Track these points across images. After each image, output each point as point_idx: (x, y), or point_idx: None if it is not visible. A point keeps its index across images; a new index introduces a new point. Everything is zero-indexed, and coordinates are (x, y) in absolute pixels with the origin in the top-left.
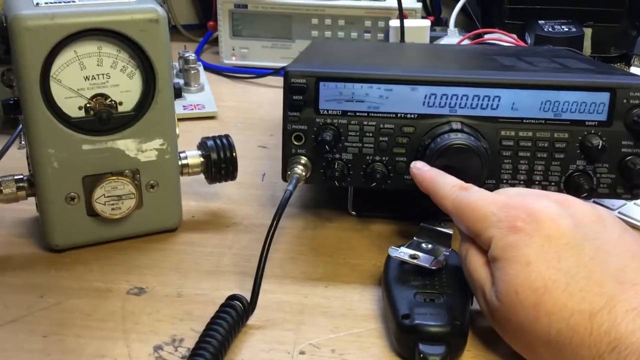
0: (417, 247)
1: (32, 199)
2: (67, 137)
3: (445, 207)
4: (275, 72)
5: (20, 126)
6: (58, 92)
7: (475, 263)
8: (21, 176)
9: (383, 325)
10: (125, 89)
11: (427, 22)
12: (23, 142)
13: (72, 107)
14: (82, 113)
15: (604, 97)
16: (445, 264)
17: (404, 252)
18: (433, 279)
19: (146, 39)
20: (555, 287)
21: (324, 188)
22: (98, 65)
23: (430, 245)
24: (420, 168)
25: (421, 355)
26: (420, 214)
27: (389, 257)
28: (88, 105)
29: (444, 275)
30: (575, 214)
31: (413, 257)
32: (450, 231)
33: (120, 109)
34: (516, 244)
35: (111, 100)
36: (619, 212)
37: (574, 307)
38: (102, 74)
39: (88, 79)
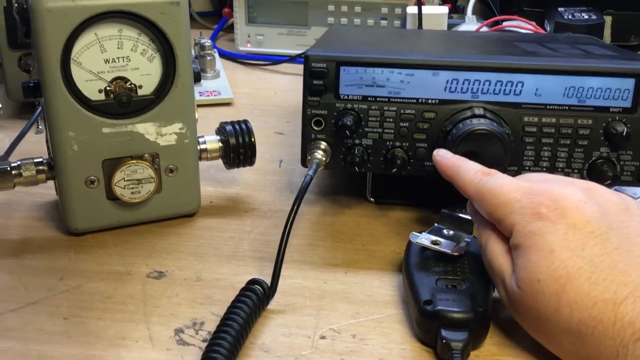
0: (439, 233)
1: (51, 183)
2: (87, 120)
3: (467, 193)
4: (290, 59)
5: (39, 110)
6: (78, 75)
7: (496, 251)
8: (41, 159)
9: (404, 311)
10: (145, 72)
11: (444, 9)
12: (40, 127)
13: (93, 90)
14: (102, 96)
15: (629, 83)
16: (466, 250)
17: (425, 238)
18: (455, 265)
19: (166, 22)
20: (578, 276)
21: (342, 174)
22: (118, 48)
23: (451, 232)
24: (443, 155)
25: (443, 341)
26: (439, 200)
27: (409, 243)
28: (108, 88)
29: (465, 261)
30: (601, 202)
31: (435, 243)
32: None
33: (140, 92)
34: (539, 231)
35: (131, 84)
36: None
37: (597, 297)
38: (123, 57)
39: (108, 62)
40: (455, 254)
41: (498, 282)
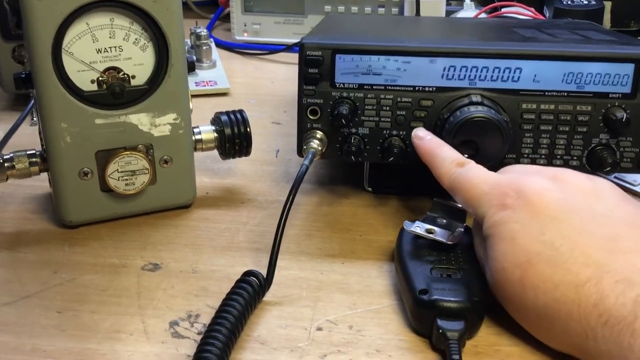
0: (432, 222)
1: (45, 175)
2: (79, 111)
3: (443, 185)
4: (287, 48)
5: (32, 102)
6: (70, 65)
7: (477, 242)
8: (34, 151)
9: (401, 301)
10: (138, 62)
11: None
12: (35, 119)
13: (85, 80)
14: (94, 87)
15: (629, 68)
16: (460, 239)
17: (420, 227)
18: (448, 255)
19: (159, 10)
20: (538, 260)
21: (339, 164)
22: (110, 37)
23: (444, 220)
24: (422, 138)
25: (440, 331)
26: (437, 190)
27: (402, 232)
28: (100, 78)
29: (459, 250)
30: (566, 188)
31: (429, 231)
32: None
33: (133, 82)
34: (503, 220)
35: (124, 74)
36: None
37: (559, 280)
38: (115, 47)
39: (100, 52)
40: (451, 243)
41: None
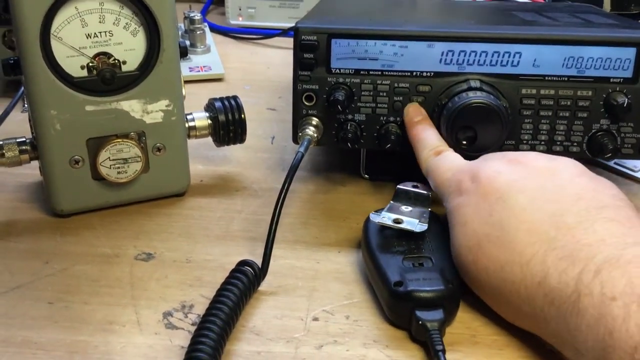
0: (397, 211)
1: (35, 163)
2: (69, 97)
3: (421, 169)
4: (283, 32)
5: (23, 88)
6: (59, 51)
7: None
8: (24, 139)
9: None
10: (129, 47)
11: None
12: (26, 106)
13: (74, 66)
14: (84, 73)
15: (630, 52)
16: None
17: (387, 217)
18: (418, 243)
19: None
20: (487, 241)
21: (335, 151)
22: (100, 22)
23: (409, 208)
24: (411, 118)
25: (419, 323)
26: None
27: (367, 224)
28: (91, 64)
29: (427, 237)
30: (520, 169)
31: (397, 221)
32: (427, 192)
33: (124, 68)
34: (458, 206)
35: (114, 59)
36: None
37: (505, 259)
38: (105, 32)
39: (90, 37)
40: (420, 231)
41: None
